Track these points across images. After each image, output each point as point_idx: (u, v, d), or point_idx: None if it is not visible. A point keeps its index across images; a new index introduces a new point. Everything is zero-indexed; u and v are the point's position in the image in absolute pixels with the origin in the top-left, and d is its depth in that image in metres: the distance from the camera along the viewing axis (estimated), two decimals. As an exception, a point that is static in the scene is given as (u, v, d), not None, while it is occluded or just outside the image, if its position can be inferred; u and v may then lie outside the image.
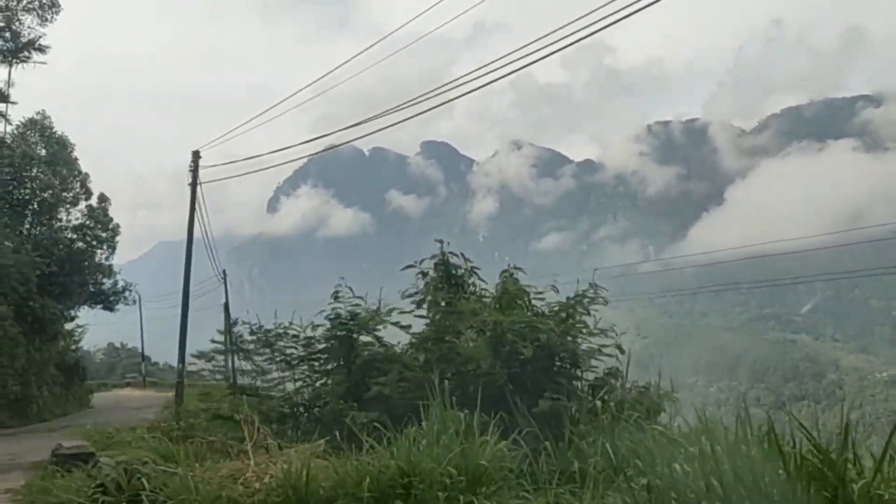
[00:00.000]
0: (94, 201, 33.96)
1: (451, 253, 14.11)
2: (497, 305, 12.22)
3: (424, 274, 13.82)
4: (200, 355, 68.28)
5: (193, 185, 23.83)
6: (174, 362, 79.56)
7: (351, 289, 12.83)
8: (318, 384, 12.81)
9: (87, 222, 33.44)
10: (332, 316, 12.69)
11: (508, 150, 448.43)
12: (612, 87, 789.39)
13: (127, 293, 36.46)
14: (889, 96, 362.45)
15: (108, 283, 35.09)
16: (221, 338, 64.86)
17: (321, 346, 13.56)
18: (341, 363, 13.04)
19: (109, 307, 36.07)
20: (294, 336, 13.20)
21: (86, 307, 35.45)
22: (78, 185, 32.83)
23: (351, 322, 12.67)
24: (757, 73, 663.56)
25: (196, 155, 23.62)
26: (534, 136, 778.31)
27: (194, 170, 23.78)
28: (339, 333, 12.59)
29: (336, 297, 12.72)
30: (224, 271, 48.74)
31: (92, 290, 34.10)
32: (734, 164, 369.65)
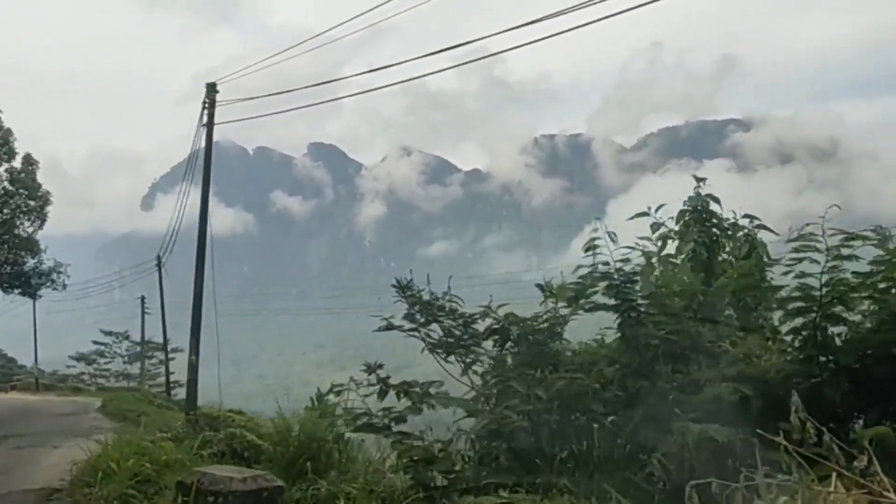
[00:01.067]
0: (17, 163, 28.58)
1: (708, 197, 8.97)
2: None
3: (656, 226, 8.82)
4: (81, 357, 61.81)
5: (210, 126, 19.15)
6: (42, 365, 72.00)
7: (612, 235, 7.90)
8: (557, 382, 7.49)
9: (10, 188, 28.12)
10: (594, 272, 8.04)
11: (398, 155, 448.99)
12: (502, 98, 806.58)
13: (56, 275, 30.56)
14: (757, 121, 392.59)
15: (31, 262, 29.62)
16: (104, 338, 59.41)
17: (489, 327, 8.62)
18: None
19: (31, 292, 30.95)
20: (451, 311, 8.93)
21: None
22: (-1, 142, 27.27)
23: (627, 284, 7.79)
24: (637, 93, 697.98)
25: (212, 89, 19.00)
26: (423, 143, 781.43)
27: (209, 106, 18.88)
28: (614, 302, 7.81)
29: (591, 248, 8.07)
30: (159, 257, 45.05)
31: (10, 270, 28.86)
32: (615, 178, 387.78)
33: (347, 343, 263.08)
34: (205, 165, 19.68)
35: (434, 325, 8.83)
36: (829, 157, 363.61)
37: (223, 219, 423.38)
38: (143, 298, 52.66)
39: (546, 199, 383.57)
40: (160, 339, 53.31)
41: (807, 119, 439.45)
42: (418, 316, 8.68)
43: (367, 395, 8.43)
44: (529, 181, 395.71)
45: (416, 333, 8.67)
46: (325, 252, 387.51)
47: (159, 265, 42.33)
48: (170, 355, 53.44)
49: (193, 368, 19.36)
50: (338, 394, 8.63)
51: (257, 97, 18.79)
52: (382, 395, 8.39)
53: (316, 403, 23.36)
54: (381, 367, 8.59)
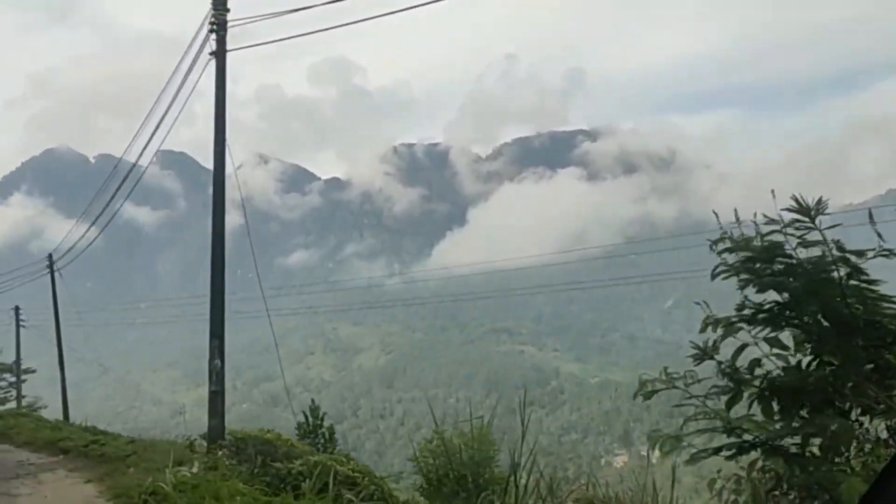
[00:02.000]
0: None
1: None
2: None
3: None
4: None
5: (220, 54, 14.11)
6: None
7: None
8: None
9: None
10: None
11: (254, 163, 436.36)
12: (361, 106, 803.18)
13: None
14: (603, 132, 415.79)
15: None
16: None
17: None
18: None
19: None
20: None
21: None
22: None
23: None
24: (492, 103, 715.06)
25: (221, 5, 14.18)
26: (280, 151, 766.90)
27: (219, 28, 13.87)
28: None
29: None
30: (51, 255, 40.74)
31: None
32: (473, 187, 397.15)
33: (203, 359, 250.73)
34: (217, 107, 15.27)
35: None
36: (669, 166, 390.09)
37: (61, 231, 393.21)
38: (17, 309, 47.05)
39: (406, 206, 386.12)
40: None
41: (647, 130, 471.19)
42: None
43: (706, 396, 5.21)
44: (389, 189, 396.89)
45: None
46: (176, 264, 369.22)
47: (52, 270, 38.59)
48: (21, 377, 48.20)
49: (219, 377, 14.81)
50: (648, 396, 5.23)
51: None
52: (733, 398, 4.98)
53: (310, 421, 19.79)
54: (717, 349, 5.17)
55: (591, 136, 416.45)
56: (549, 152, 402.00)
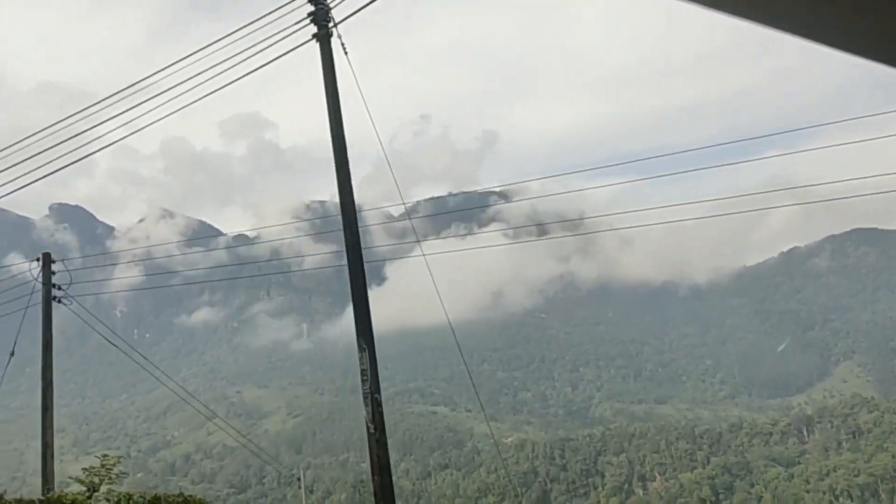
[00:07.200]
0: None
1: None
2: None
3: None
4: None
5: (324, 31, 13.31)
6: None
7: None
8: None
9: None
10: None
11: (157, 217, 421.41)
12: (272, 163, 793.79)
13: None
14: (514, 193, 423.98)
15: None
16: None
17: None
18: None
19: None
20: None
21: None
22: None
23: None
24: (406, 162, 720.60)
25: None
26: (185, 205, 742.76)
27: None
28: None
29: None
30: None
31: None
32: (387, 244, 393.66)
33: (93, 425, 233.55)
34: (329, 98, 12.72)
35: None
36: (578, 227, 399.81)
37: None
38: None
39: (317, 264, 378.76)
40: None
41: (555, 193, 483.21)
42: None
43: None
44: (300, 246, 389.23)
45: None
46: (66, 324, 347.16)
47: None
48: None
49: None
50: None
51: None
52: None
53: None
54: None
55: (505, 196, 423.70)
56: (463, 212, 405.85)
